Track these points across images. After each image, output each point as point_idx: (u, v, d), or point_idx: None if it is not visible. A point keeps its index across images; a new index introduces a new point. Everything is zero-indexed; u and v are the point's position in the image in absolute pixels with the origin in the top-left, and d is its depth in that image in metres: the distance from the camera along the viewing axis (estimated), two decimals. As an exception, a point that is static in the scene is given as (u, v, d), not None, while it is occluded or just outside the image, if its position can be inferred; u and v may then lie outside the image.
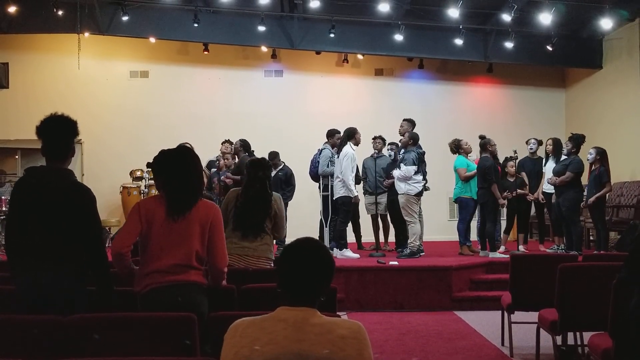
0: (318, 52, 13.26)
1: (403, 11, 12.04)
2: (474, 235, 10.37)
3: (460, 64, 13.75)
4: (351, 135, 9.28)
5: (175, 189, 3.72)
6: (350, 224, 10.02)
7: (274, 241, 5.66)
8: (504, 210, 10.20)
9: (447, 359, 5.80)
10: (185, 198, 3.71)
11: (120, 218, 12.52)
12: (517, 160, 10.36)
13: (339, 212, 9.37)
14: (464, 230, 9.69)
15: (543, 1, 10.91)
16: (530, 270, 5.73)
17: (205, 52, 13.19)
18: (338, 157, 9.30)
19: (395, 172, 9.18)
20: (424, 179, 9.16)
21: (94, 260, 3.67)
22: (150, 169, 3.89)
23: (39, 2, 11.78)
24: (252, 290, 4.12)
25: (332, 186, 9.43)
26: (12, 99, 13.46)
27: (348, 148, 9.18)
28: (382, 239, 10.66)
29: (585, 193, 9.58)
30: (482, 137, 9.60)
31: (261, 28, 12.07)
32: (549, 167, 9.63)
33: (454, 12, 11.09)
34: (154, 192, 11.65)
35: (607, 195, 9.56)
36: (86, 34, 12.44)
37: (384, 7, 11.25)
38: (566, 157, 9.29)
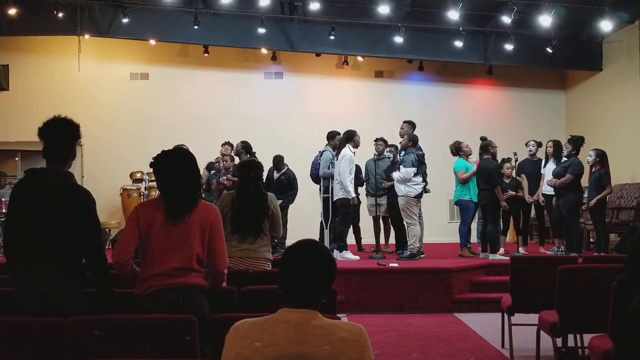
0: (318, 54, 13.26)
1: (403, 13, 12.06)
2: (474, 237, 10.38)
3: (460, 66, 13.76)
4: (350, 137, 9.30)
5: (172, 192, 3.71)
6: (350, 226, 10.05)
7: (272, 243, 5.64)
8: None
9: (447, 361, 5.80)
10: (183, 202, 3.70)
11: (120, 220, 12.52)
12: (518, 162, 10.38)
13: (338, 214, 9.38)
14: (465, 232, 9.70)
15: (543, 3, 10.92)
16: (530, 272, 5.73)
17: (206, 54, 13.19)
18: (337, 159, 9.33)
19: (395, 174, 9.19)
20: (424, 180, 9.17)
21: (94, 262, 3.66)
22: (152, 169, 3.87)
23: (39, 4, 11.78)
24: (252, 292, 4.12)
25: (332, 188, 9.44)
26: (12, 101, 13.47)
27: (346, 150, 9.20)
28: (382, 240, 10.67)
29: (585, 195, 9.59)
30: (483, 139, 9.61)
31: (261, 30, 12.07)
32: (548, 169, 9.63)
33: (453, 15, 11.10)
34: (155, 194, 11.67)
35: (608, 197, 9.56)
36: (86, 36, 12.45)
37: (384, 9, 11.26)
38: (566, 159, 9.29)
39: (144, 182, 12.38)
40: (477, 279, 8.59)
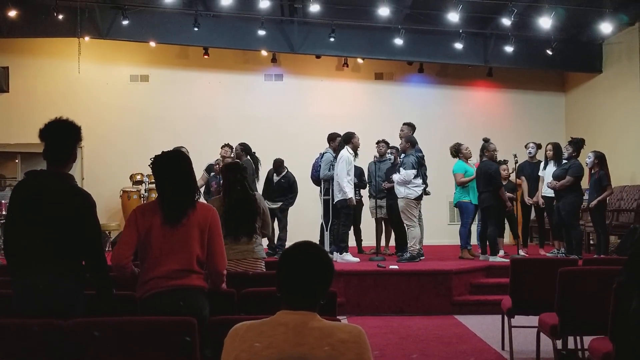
0: (318, 56, 13.26)
1: (403, 15, 12.07)
2: (474, 239, 10.38)
3: (460, 68, 13.77)
4: (348, 139, 9.32)
5: (171, 192, 3.71)
6: (351, 228, 10.05)
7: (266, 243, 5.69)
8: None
9: (448, 363, 5.79)
10: (180, 203, 3.70)
11: (120, 222, 12.52)
12: (517, 164, 10.38)
13: (338, 216, 9.38)
14: (465, 234, 9.70)
15: (543, 5, 10.93)
16: (530, 274, 5.72)
17: (206, 56, 13.20)
18: (337, 161, 9.35)
19: (395, 176, 9.19)
20: (424, 182, 9.17)
21: (93, 264, 3.66)
22: (151, 169, 3.87)
23: (40, 6, 11.79)
24: (252, 294, 4.12)
25: (333, 190, 9.44)
26: (13, 103, 13.48)
27: (344, 151, 9.22)
28: (382, 243, 10.67)
29: (585, 197, 9.59)
30: (485, 140, 9.61)
31: (261, 32, 12.07)
32: (548, 172, 9.62)
33: (453, 17, 11.10)
34: (154, 196, 11.66)
35: (607, 199, 9.56)
36: (86, 38, 12.45)
37: (384, 12, 11.26)
38: (566, 161, 9.29)
39: (144, 184, 12.38)
40: (477, 281, 8.59)
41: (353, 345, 2.24)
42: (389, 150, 10.32)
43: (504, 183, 9.92)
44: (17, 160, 13.42)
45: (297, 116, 13.79)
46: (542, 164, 9.98)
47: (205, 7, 12.37)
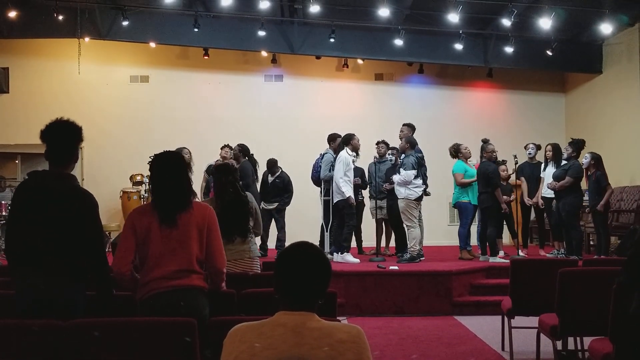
0: (318, 57, 13.27)
1: (403, 16, 12.07)
2: (474, 240, 10.38)
3: (460, 69, 13.77)
4: (347, 141, 9.32)
5: (167, 191, 3.71)
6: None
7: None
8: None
9: (448, 364, 5.79)
10: (176, 202, 3.69)
11: (120, 223, 12.52)
12: (517, 165, 10.37)
13: (340, 216, 9.36)
14: (464, 235, 9.69)
15: (543, 6, 10.93)
16: (530, 275, 5.73)
17: (206, 57, 13.20)
18: (336, 162, 9.35)
19: (395, 177, 9.18)
20: (424, 183, 9.17)
21: (94, 264, 3.66)
22: (150, 166, 3.88)
23: (40, 7, 11.80)
24: (252, 295, 4.12)
25: (333, 191, 9.44)
26: (13, 104, 13.48)
27: (343, 152, 9.23)
28: (382, 243, 10.67)
29: (586, 198, 9.59)
30: (484, 141, 9.61)
31: (261, 33, 12.08)
32: (548, 172, 9.62)
33: (453, 17, 11.10)
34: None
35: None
36: (86, 39, 12.45)
37: (384, 12, 11.26)
38: (566, 161, 9.30)
39: (144, 185, 12.36)
40: (477, 282, 8.59)
41: (352, 345, 2.24)
42: (389, 151, 10.32)
43: (504, 184, 9.93)
44: (17, 161, 13.42)
45: (297, 117, 13.79)
46: (542, 165, 9.98)
47: (205, 8, 12.37)
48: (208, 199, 5.76)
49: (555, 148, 9.74)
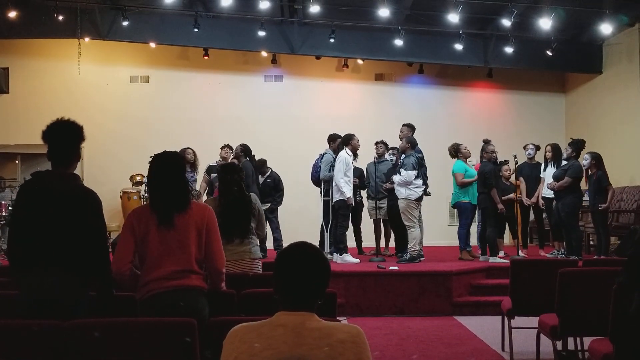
0: (318, 57, 13.27)
1: (403, 16, 12.06)
2: (474, 240, 10.37)
3: (460, 69, 13.77)
4: (347, 141, 9.33)
5: (162, 194, 3.71)
6: (352, 229, 10.05)
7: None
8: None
9: (447, 364, 5.79)
10: (173, 202, 3.69)
11: (120, 223, 12.51)
12: (517, 165, 10.38)
13: (336, 216, 9.37)
14: (464, 235, 9.69)
15: (543, 6, 10.93)
16: (530, 276, 5.73)
17: (206, 57, 13.20)
18: (336, 162, 9.36)
19: (396, 177, 9.18)
20: (425, 183, 9.17)
21: (97, 263, 3.66)
22: (150, 165, 3.88)
23: (40, 7, 11.79)
24: (252, 295, 4.12)
25: (332, 191, 9.45)
26: (12, 104, 13.48)
27: (343, 153, 9.25)
28: (382, 243, 10.67)
29: (586, 198, 9.59)
30: (485, 141, 9.61)
31: (261, 33, 12.07)
32: (548, 173, 9.62)
33: (453, 17, 11.09)
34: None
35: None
36: (86, 39, 12.45)
37: (384, 12, 11.26)
38: (566, 162, 9.30)
39: (143, 185, 12.34)
40: (477, 282, 8.59)
41: (352, 345, 2.25)
42: (390, 151, 10.32)
43: (507, 184, 9.92)
44: (17, 161, 13.42)
45: (297, 117, 13.79)
46: (542, 166, 9.99)
47: (205, 8, 12.36)
48: (211, 198, 5.75)
49: (555, 148, 9.74)
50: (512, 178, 10.49)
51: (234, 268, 5.14)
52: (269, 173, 10.56)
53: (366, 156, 10.47)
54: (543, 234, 10.67)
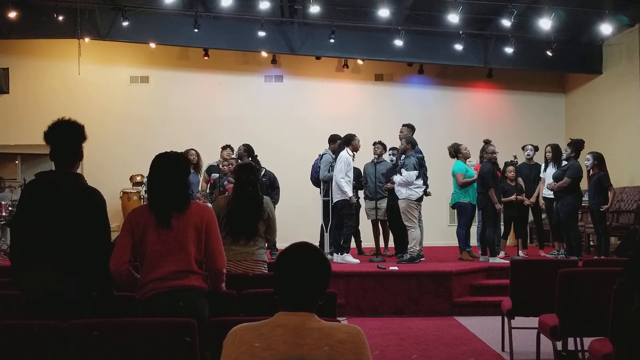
0: (318, 58, 13.27)
1: (403, 16, 12.07)
2: (474, 241, 10.37)
3: (460, 69, 13.77)
4: (348, 141, 9.33)
5: (160, 195, 3.71)
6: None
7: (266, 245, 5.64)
8: (501, 216, 10.18)
9: (448, 365, 5.79)
10: (172, 201, 3.68)
11: (120, 223, 12.49)
12: (516, 166, 10.37)
13: (339, 216, 9.36)
14: (463, 235, 9.68)
15: (543, 7, 10.93)
16: (530, 276, 5.72)
17: (206, 58, 13.21)
18: (336, 162, 9.35)
19: (397, 178, 9.18)
20: (425, 183, 9.17)
21: (98, 263, 3.65)
22: (151, 164, 3.87)
23: (40, 7, 11.80)
24: (252, 295, 4.11)
25: (332, 191, 9.44)
26: (12, 104, 13.49)
27: (344, 153, 9.24)
28: (382, 244, 10.67)
29: (585, 199, 9.58)
30: (485, 142, 9.60)
31: (261, 33, 12.08)
32: (548, 173, 9.63)
33: (453, 18, 11.10)
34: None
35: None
36: (86, 39, 12.46)
37: (384, 13, 11.27)
38: (565, 162, 9.30)
39: (144, 185, 12.36)
40: (477, 283, 8.59)
41: (352, 345, 2.24)
42: (390, 152, 10.32)
43: (513, 184, 9.92)
44: (17, 162, 13.43)
45: (297, 117, 13.80)
46: (542, 166, 9.99)
47: (205, 9, 12.37)
48: (223, 196, 5.71)
49: (555, 149, 9.75)
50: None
51: (236, 268, 5.12)
52: (263, 172, 10.54)
53: (364, 157, 10.45)
54: (543, 234, 10.67)
